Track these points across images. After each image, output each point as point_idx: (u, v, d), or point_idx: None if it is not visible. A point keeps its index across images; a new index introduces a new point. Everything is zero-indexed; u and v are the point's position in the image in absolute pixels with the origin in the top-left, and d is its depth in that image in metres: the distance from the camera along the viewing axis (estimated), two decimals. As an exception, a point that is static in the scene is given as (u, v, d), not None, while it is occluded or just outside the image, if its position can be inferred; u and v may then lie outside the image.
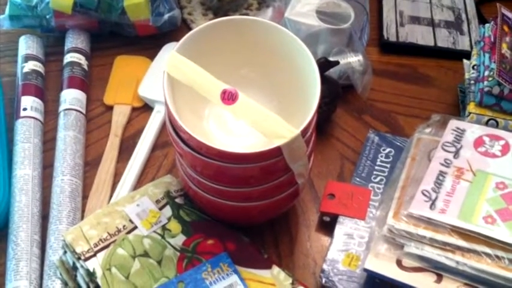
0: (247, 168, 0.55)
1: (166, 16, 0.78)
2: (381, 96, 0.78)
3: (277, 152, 0.53)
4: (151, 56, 0.81)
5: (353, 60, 0.76)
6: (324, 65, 0.70)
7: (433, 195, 0.56)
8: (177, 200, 0.62)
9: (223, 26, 0.60)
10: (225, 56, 0.61)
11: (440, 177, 0.58)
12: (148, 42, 0.82)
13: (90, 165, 0.69)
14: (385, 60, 0.83)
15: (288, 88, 0.61)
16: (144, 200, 0.61)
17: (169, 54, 0.57)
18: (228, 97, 0.54)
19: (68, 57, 0.76)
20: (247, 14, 0.88)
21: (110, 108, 0.75)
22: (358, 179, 0.65)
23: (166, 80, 0.56)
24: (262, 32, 0.60)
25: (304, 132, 0.53)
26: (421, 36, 0.84)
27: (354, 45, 0.78)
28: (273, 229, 0.64)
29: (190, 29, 0.85)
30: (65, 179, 0.65)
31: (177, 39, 0.83)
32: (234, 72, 0.61)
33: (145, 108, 0.76)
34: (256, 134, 0.59)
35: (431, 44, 0.83)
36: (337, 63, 0.71)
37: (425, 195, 0.56)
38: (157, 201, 0.61)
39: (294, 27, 0.77)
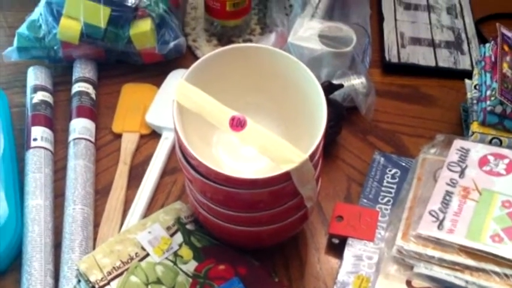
0: (256, 193, 0.56)
1: (171, 44, 0.79)
2: (384, 117, 0.79)
3: (286, 176, 0.54)
4: (158, 83, 0.83)
5: (356, 82, 0.77)
6: (328, 88, 0.71)
7: (441, 216, 0.57)
8: (188, 226, 0.63)
9: (230, 53, 0.61)
10: (232, 82, 0.63)
11: (447, 197, 0.58)
12: (154, 70, 0.83)
13: (100, 194, 0.70)
14: (387, 81, 0.84)
15: (294, 113, 0.62)
16: (156, 227, 0.62)
17: (178, 83, 0.58)
18: (237, 124, 0.55)
19: (76, 87, 0.78)
20: (250, 40, 0.90)
21: (119, 136, 0.77)
22: (365, 200, 0.65)
23: (176, 108, 0.57)
24: (267, 58, 0.61)
25: (312, 156, 0.54)
26: (422, 56, 0.85)
27: (356, 67, 0.79)
28: (282, 252, 0.65)
29: (194, 55, 0.87)
30: (76, 208, 0.66)
31: (182, 66, 0.86)
32: (241, 99, 0.62)
33: (153, 135, 0.77)
34: (265, 158, 0.60)
35: (433, 64, 0.84)
36: (341, 86, 0.73)
37: (432, 215, 0.57)
38: (168, 228, 0.62)
39: (297, 52, 0.78)
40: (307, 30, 0.79)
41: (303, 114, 0.60)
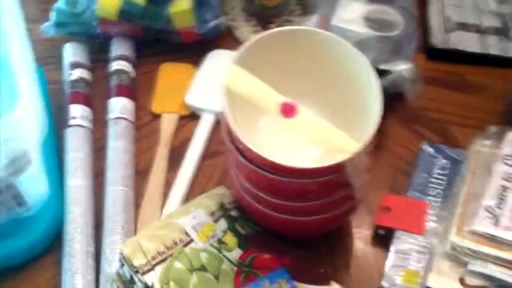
0: (306, 183, 0.54)
1: (211, 23, 0.77)
2: (431, 105, 0.77)
3: (338, 167, 0.52)
4: (195, 63, 0.81)
5: (402, 68, 0.75)
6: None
7: (497, 212, 0.55)
8: (232, 213, 0.62)
9: (279, 36, 0.59)
10: (279, 67, 0.60)
11: (503, 193, 0.56)
12: (191, 49, 0.81)
13: (140, 175, 0.69)
14: (432, 67, 0.81)
15: (345, 101, 0.60)
16: (199, 212, 0.61)
17: (227, 66, 0.56)
18: (288, 110, 0.53)
19: (115, 65, 0.76)
20: (290, 21, 0.87)
21: (157, 116, 0.75)
22: (413, 192, 0.64)
23: (225, 91, 0.55)
24: (318, 42, 0.59)
25: (366, 146, 0.53)
26: (469, 42, 0.82)
27: (403, 52, 0.77)
28: (327, 242, 0.63)
29: (232, 35, 0.85)
30: (117, 189, 0.64)
31: (220, 46, 0.83)
32: (289, 84, 0.60)
33: (193, 116, 0.75)
34: (313, 147, 0.58)
35: (480, 50, 0.81)
36: (388, 72, 0.70)
37: (488, 211, 0.55)
38: (212, 214, 0.61)
39: (341, 35, 0.74)
40: (352, 13, 0.76)
41: (355, 103, 0.58)
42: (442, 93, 0.78)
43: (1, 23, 0.59)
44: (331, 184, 0.54)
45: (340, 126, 0.57)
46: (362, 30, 0.75)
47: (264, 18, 0.87)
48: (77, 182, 0.65)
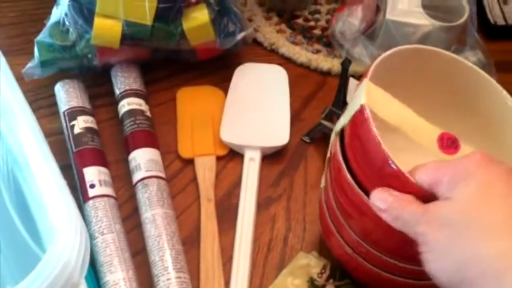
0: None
1: (238, 36, 0.62)
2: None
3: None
4: (216, 83, 0.66)
5: (473, 59, 0.63)
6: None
7: None
8: (327, 290, 0.49)
9: (410, 54, 0.46)
10: (404, 88, 0.47)
11: None
12: (208, 66, 0.67)
13: (186, 245, 0.55)
14: (496, 48, 0.69)
15: (477, 134, 0.47)
16: (289, 299, 0.48)
17: (366, 86, 0.42)
18: (449, 144, 0.41)
19: (125, 105, 0.61)
20: (317, 11, 0.73)
21: (188, 161, 0.61)
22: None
23: (371, 117, 0.41)
24: (445, 67, 0.47)
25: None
26: (530, 13, 0.70)
27: (469, 41, 0.64)
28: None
29: (254, 39, 0.70)
30: (171, 279, 0.51)
31: (243, 58, 0.69)
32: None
33: (231, 155, 0.61)
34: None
35: (546, 21, 0.70)
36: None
37: None
38: (304, 297, 0.48)
39: (398, 31, 0.62)
40: (407, 2, 0.63)
41: (490, 137, 0.46)
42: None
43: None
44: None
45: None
46: (423, 21, 0.62)
47: (286, 12, 0.72)
48: (117, 276, 0.51)
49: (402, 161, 0.39)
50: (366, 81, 0.42)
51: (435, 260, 0.36)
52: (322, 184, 0.50)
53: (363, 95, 0.41)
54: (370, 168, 0.41)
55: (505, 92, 0.45)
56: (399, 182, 0.39)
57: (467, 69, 0.47)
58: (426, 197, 0.38)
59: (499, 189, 0.36)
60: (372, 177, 0.41)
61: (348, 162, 0.44)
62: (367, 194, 0.41)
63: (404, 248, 0.40)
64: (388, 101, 0.43)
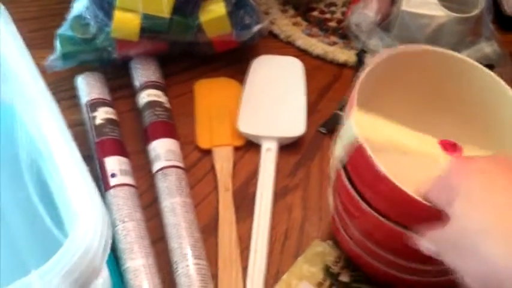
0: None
1: (254, 28, 0.63)
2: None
3: None
4: (233, 75, 0.67)
5: (488, 51, 0.63)
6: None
7: None
8: (342, 278, 0.50)
9: (404, 58, 0.46)
10: (401, 94, 0.48)
11: None
12: (225, 59, 0.68)
13: (204, 233, 0.56)
14: (510, 39, 0.69)
15: (483, 138, 0.47)
16: (304, 286, 0.49)
17: (355, 117, 0.42)
18: (450, 148, 0.42)
19: (145, 96, 0.62)
20: (333, 3, 0.74)
21: (206, 152, 0.62)
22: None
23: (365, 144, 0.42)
24: (449, 67, 0.47)
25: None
26: (547, 4, 0.70)
27: (485, 31, 0.64)
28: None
29: (271, 32, 0.71)
30: (190, 265, 0.52)
31: (259, 50, 0.70)
32: (414, 114, 0.48)
33: (248, 145, 0.62)
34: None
35: None
36: (491, 67, 0.58)
37: None
38: (319, 285, 0.49)
39: (414, 23, 0.63)
40: (422, -8, 0.63)
41: (499, 140, 0.46)
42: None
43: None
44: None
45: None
46: (438, 13, 0.62)
47: (302, 6, 0.73)
48: (138, 262, 0.52)
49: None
50: (354, 111, 0.42)
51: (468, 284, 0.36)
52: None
53: (353, 127, 0.42)
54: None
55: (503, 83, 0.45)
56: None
57: (458, 63, 0.47)
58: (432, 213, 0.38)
59: (480, 196, 0.36)
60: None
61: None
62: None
63: (407, 249, 0.41)
64: (380, 126, 0.43)
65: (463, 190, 0.36)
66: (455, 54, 0.47)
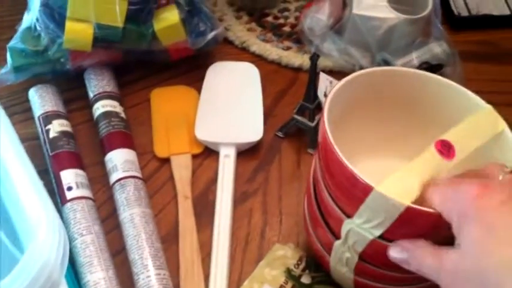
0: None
1: (209, 35, 0.63)
2: (471, 85, 0.66)
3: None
4: (189, 82, 0.67)
5: (438, 51, 0.64)
6: (429, 72, 0.58)
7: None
8: (304, 280, 0.50)
9: (373, 77, 0.47)
10: (374, 112, 0.49)
11: None
12: (181, 66, 0.68)
13: (166, 242, 0.56)
14: (460, 39, 0.71)
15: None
16: (267, 290, 0.49)
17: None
18: (445, 150, 0.41)
19: (99, 107, 0.62)
20: (286, 8, 0.74)
21: (164, 160, 0.62)
22: None
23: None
24: (419, 86, 0.48)
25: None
26: (493, 5, 0.72)
27: (433, 32, 0.66)
28: None
29: (225, 38, 0.71)
30: (151, 276, 0.51)
31: (215, 56, 0.70)
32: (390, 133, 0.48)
33: (207, 152, 0.62)
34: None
35: (507, 12, 0.72)
36: (440, 67, 0.60)
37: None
38: (281, 287, 0.50)
39: (365, 25, 0.64)
40: (372, -4, 0.64)
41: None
42: (479, 68, 0.68)
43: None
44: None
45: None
46: (389, 15, 0.64)
47: (256, 11, 0.73)
48: (98, 275, 0.51)
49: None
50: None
51: None
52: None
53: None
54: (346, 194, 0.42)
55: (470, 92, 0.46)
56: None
57: (423, 80, 0.47)
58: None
59: (500, 227, 0.34)
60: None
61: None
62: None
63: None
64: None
65: (479, 218, 0.35)
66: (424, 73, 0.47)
